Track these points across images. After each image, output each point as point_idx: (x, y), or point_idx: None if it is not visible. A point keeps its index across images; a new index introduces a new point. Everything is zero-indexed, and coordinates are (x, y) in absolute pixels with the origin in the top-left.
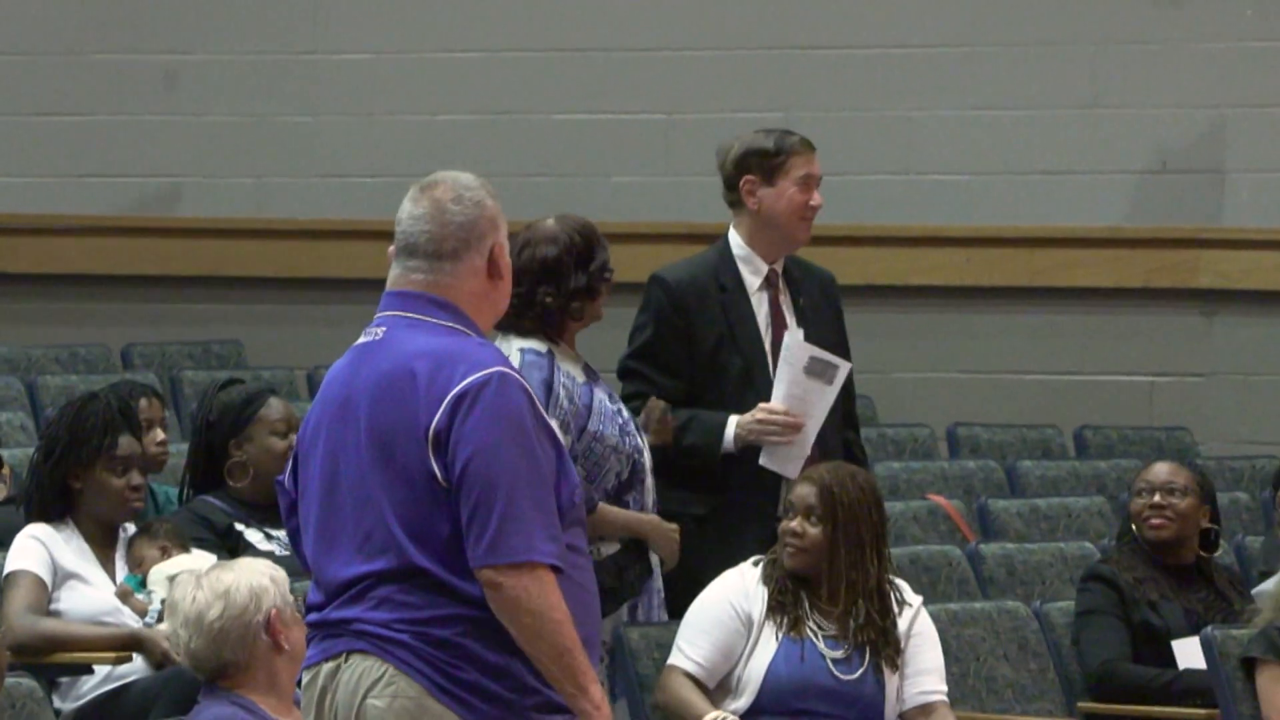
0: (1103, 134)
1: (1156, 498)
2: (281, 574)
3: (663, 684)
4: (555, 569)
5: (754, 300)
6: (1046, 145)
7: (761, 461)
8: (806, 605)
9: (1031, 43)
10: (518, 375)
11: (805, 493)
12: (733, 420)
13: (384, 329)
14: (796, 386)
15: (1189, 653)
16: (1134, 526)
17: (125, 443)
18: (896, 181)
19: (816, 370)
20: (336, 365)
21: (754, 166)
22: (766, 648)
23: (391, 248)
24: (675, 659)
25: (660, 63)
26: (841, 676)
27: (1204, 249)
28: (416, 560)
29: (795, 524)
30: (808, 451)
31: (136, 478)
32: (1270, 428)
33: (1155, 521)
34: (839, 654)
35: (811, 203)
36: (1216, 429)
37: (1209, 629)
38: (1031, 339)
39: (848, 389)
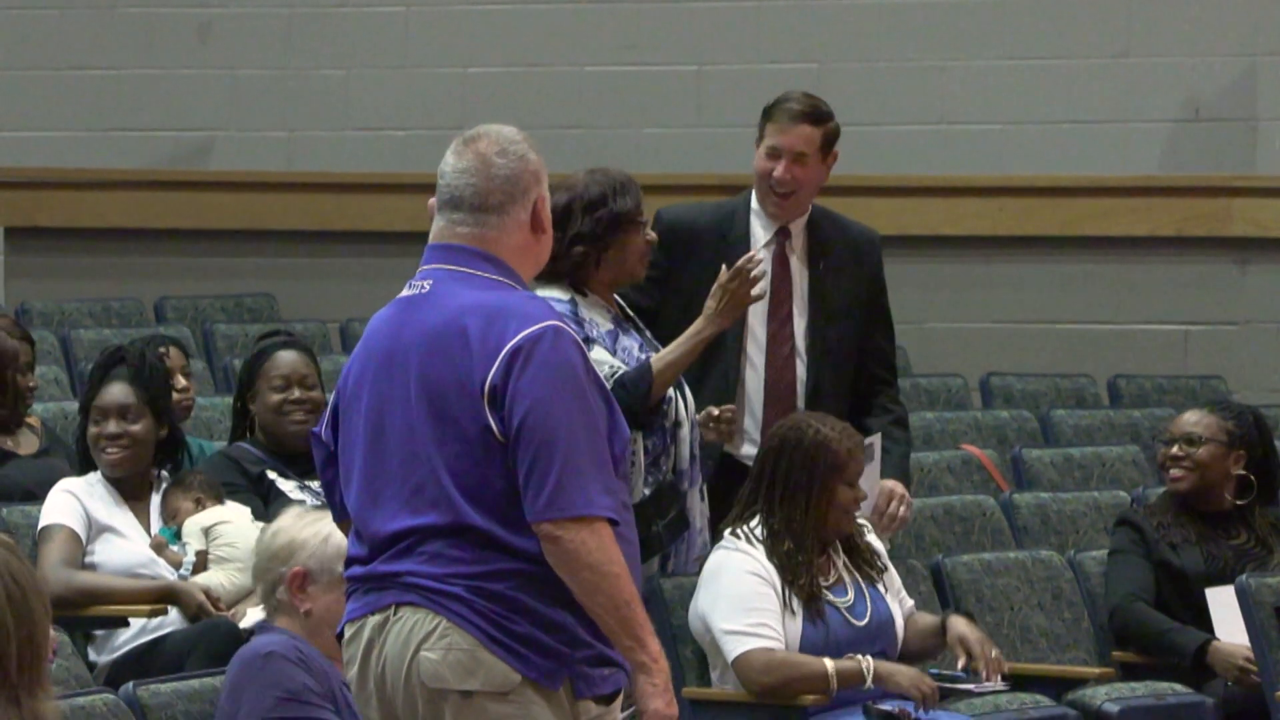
0: (1135, 83)
1: (1175, 449)
2: (341, 542)
3: (760, 668)
4: (612, 522)
5: (760, 255)
6: (1079, 94)
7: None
8: (812, 569)
9: None
10: (569, 329)
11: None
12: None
13: (430, 282)
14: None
15: (1222, 601)
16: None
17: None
18: (929, 132)
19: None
20: (379, 317)
21: (761, 122)
22: (795, 619)
23: (432, 200)
24: (749, 644)
25: (692, 14)
26: (856, 623)
27: (1237, 197)
28: (468, 516)
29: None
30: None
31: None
32: None
33: (1174, 473)
34: (847, 599)
35: (774, 173)
36: (1250, 377)
37: (1243, 577)
38: (1065, 288)
39: (888, 332)
